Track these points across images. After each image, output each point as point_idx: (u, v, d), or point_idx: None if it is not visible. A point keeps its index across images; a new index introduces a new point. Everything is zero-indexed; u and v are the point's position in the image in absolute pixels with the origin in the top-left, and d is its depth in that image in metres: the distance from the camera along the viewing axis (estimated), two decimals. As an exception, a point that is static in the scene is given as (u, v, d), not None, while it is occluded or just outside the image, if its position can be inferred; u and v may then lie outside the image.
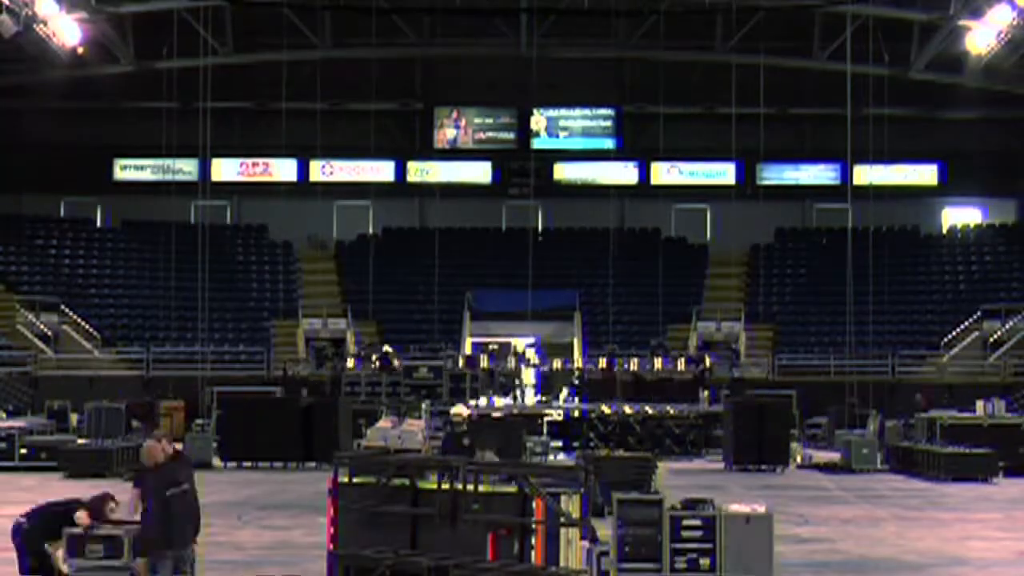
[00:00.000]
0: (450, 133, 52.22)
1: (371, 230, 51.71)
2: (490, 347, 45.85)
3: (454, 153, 52.07)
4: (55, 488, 26.64)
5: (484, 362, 40.35)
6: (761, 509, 15.55)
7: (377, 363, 38.74)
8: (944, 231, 53.23)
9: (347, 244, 51.31)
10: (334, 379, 39.10)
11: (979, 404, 32.71)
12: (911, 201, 51.73)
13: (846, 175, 47.79)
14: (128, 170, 52.62)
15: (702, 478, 27.80)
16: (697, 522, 15.26)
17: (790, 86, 46.50)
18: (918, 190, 52.46)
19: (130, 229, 52.21)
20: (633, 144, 51.12)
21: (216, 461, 31.12)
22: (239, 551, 17.45)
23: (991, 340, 45.62)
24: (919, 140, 50.64)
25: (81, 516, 13.32)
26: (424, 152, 51.96)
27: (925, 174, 52.76)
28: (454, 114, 52.29)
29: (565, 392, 37.75)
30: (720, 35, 47.39)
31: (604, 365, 38.64)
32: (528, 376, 39.22)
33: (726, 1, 42.87)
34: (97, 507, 13.50)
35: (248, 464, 30.99)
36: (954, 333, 46.34)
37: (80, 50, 42.78)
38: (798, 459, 32.31)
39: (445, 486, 11.29)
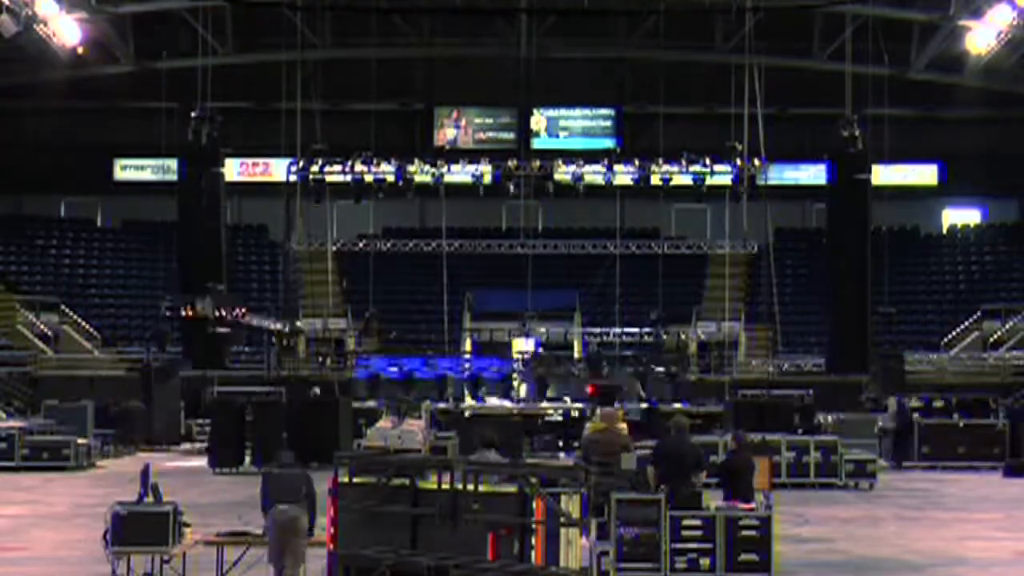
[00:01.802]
0: (450, 133, 52.19)
1: (371, 230, 51.68)
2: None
3: (454, 153, 51.99)
4: (56, 488, 26.67)
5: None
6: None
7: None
8: (944, 231, 53.23)
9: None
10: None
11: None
12: (911, 201, 51.73)
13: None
14: (128, 170, 52.61)
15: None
16: (697, 522, 15.27)
17: (790, 86, 46.49)
18: (918, 190, 52.45)
19: (130, 229, 52.21)
20: (633, 144, 51.06)
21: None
22: (240, 550, 17.40)
23: (991, 340, 45.62)
24: (919, 140, 50.62)
25: None
26: (424, 152, 51.89)
27: (925, 174, 52.74)
28: (454, 114, 52.26)
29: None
30: (720, 35, 47.40)
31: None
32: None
33: (726, 1, 42.86)
34: None
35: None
36: (954, 333, 46.35)
37: (80, 50, 42.77)
38: None
39: (445, 486, 11.30)
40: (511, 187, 45.27)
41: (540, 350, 42.71)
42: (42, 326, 45.65)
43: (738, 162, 42.84)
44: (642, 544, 15.08)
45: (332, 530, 11.82)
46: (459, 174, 45.55)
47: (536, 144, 51.17)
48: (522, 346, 45.68)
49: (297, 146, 43.77)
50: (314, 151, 44.21)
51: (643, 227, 51.50)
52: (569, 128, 52.22)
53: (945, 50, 45.66)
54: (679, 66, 48.27)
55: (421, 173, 45.35)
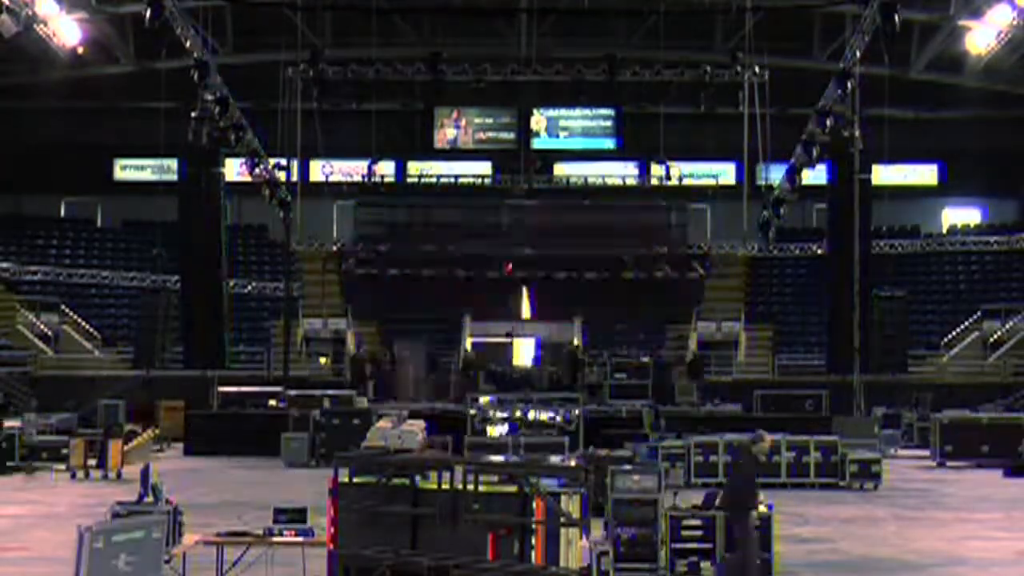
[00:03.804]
0: (450, 133, 52.14)
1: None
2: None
3: (454, 153, 52.01)
4: (56, 488, 26.67)
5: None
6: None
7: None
8: (944, 231, 53.23)
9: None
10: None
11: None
12: (911, 201, 51.72)
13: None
14: (128, 170, 52.62)
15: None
16: (697, 522, 15.26)
17: (790, 86, 46.46)
18: (918, 190, 52.44)
19: (130, 229, 52.20)
20: (633, 144, 51.01)
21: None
22: (240, 550, 17.40)
23: (991, 340, 45.64)
24: (919, 140, 50.59)
25: None
26: (424, 152, 51.89)
27: (925, 174, 52.75)
28: (454, 114, 52.22)
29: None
30: (720, 35, 47.35)
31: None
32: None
33: (726, 1, 42.86)
34: None
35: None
36: (954, 333, 46.35)
37: (80, 50, 42.77)
38: None
39: (445, 486, 11.30)
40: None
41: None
42: (42, 326, 45.65)
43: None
44: (640, 544, 15.08)
45: (332, 530, 11.83)
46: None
47: (536, 144, 51.14)
48: (523, 347, 45.74)
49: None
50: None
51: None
52: (569, 128, 52.16)
53: (945, 50, 45.65)
54: (679, 66, 48.17)
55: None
